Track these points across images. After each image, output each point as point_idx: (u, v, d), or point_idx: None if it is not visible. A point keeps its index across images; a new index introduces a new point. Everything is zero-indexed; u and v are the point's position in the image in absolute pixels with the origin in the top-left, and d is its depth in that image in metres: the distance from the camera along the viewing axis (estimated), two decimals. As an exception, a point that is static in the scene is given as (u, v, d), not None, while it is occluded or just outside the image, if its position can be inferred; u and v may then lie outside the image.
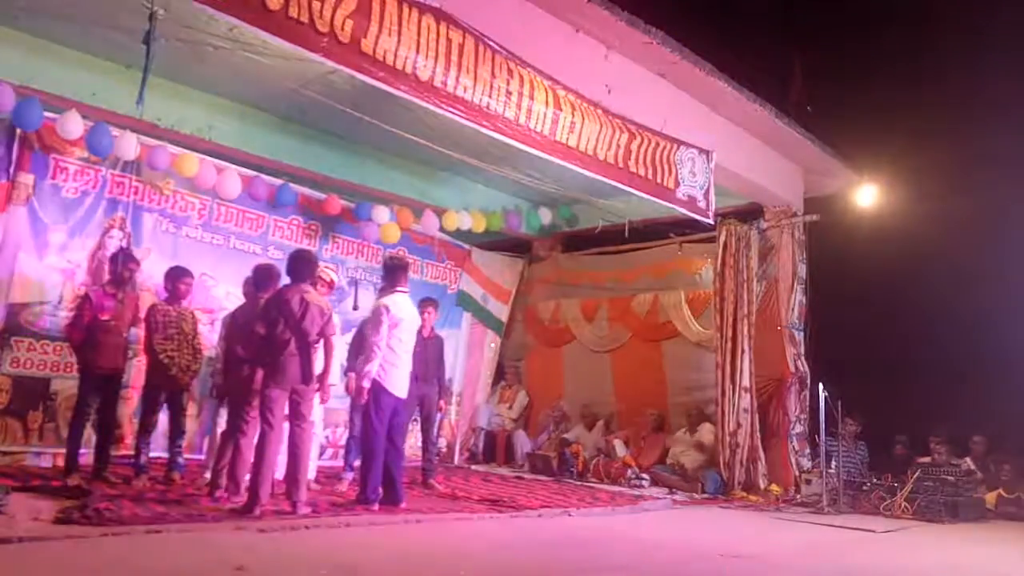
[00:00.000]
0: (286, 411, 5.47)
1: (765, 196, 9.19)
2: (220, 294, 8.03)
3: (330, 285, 6.67)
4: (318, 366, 5.61)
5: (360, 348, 7.15)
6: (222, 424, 6.33)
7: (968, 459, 8.36)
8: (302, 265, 5.65)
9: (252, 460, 5.38)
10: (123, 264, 6.32)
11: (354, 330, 7.50)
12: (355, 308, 8.70)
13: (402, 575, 4.18)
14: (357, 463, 7.09)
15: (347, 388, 6.75)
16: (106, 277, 6.52)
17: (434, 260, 10.26)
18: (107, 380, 6.19)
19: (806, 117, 8.79)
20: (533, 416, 10.69)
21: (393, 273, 6.28)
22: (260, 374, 5.42)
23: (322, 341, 5.59)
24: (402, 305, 6.13)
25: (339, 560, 4.15)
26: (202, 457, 6.88)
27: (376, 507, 5.82)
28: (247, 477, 5.40)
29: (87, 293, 6.30)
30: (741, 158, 8.41)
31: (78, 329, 6.11)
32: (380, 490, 5.92)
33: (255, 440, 5.42)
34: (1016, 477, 8.01)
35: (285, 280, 5.78)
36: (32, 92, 6.65)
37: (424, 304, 7.41)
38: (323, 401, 5.81)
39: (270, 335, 5.38)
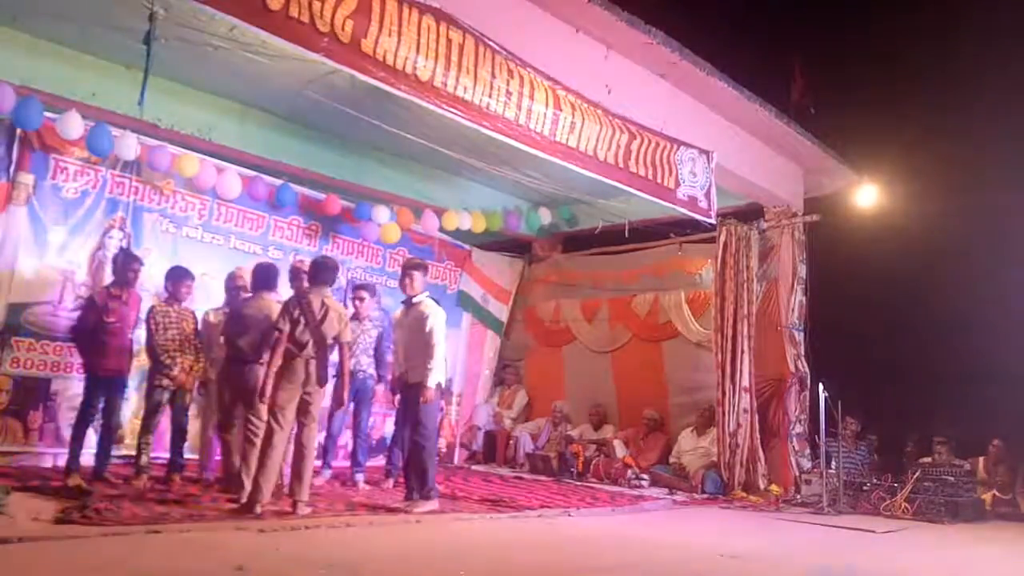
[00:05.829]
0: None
1: (765, 196, 9.18)
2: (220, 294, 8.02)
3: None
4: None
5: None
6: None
7: (981, 460, 8.36)
8: (326, 271, 5.73)
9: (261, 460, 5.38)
10: (127, 265, 6.31)
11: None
12: (346, 307, 8.70)
13: (402, 575, 4.18)
14: (335, 462, 7.29)
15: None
16: (110, 279, 6.49)
17: (434, 260, 10.23)
18: (112, 382, 6.17)
19: (806, 117, 8.78)
20: (532, 417, 10.67)
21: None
22: (265, 374, 5.42)
23: (336, 346, 5.63)
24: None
25: (339, 560, 4.15)
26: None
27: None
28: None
29: (91, 296, 6.28)
30: (741, 158, 8.40)
31: (83, 332, 6.09)
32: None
33: (272, 440, 5.42)
34: (1012, 478, 8.02)
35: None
36: (32, 92, 6.63)
37: (357, 290, 7.49)
38: (338, 407, 5.86)
39: (291, 336, 5.41)
